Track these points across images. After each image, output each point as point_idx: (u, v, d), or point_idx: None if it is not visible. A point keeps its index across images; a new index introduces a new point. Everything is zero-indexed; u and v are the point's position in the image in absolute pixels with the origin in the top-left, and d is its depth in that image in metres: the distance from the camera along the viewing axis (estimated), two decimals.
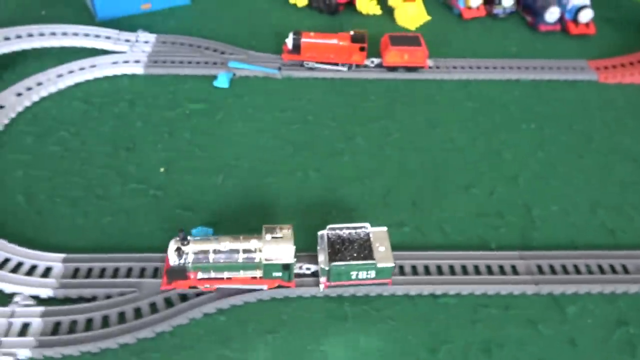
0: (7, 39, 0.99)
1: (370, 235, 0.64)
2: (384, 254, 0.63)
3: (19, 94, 0.92)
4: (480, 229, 0.75)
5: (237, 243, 0.61)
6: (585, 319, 0.65)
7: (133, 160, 0.82)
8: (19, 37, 1.00)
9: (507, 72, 1.05)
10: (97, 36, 1.05)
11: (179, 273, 0.61)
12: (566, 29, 1.17)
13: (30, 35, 1.01)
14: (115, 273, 0.66)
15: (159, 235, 0.71)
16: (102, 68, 0.99)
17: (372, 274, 0.62)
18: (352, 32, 1.00)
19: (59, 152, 0.83)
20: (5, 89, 0.92)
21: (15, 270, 0.66)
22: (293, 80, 1.00)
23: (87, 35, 1.04)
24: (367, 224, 0.65)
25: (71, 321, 0.61)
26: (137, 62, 1.01)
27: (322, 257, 0.64)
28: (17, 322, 0.60)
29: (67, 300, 0.63)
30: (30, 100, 0.92)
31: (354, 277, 0.63)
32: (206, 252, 0.60)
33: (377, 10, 1.21)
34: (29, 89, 0.94)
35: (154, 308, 0.63)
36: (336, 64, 1.00)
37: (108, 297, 0.64)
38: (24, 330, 0.60)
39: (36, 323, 0.60)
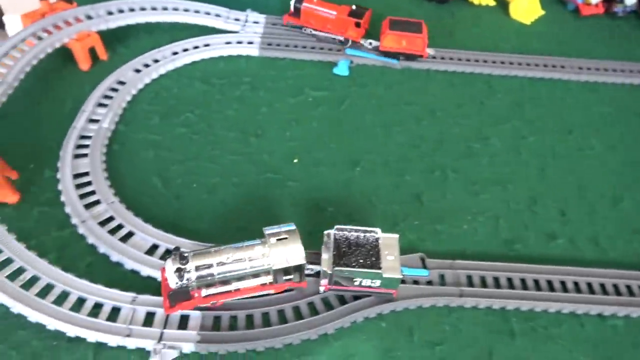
0: (120, 11, 0.96)
1: (380, 241, 0.59)
2: (391, 264, 0.57)
3: (138, 70, 0.89)
4: (638, 246, 0.71)
5: (241, 252, 0.55)
6: None
7: (264, 148, 0.79)
8: (132, 10, 0.97)
9: (635, 75, 0.99)
10: (207, 13, 1.01)
11: (182, 294, 0.55)
12: None
13: (143, 8, 0.98)
14: None
15: (304, 230, 0.68)
16: (216, 48, 0.96)
17: (377, 283, 0.57)
18: (353, 6, 0.97)
19: (187, 134, 0.80)
20: (123, 64, 0.89)
21: (165, 258, 0.63)
22: (412, 71, 0.96)
23: (197, 12, 1.01)
24: (377, 229, 0.60)
25: (231, 316, 0.59)
26: (250, 43, 0.98)
27: (325, 257, 0.59)
28: (175, 315, 0.58)
29: None
30: (149, 77, 0.89)
31: (357, 283, 0.58)
32: (210, 266, 0.54)
33: (490, 0, 1.16)
34: (147, 65, 0.91)
35: (312, 308, 0.60)
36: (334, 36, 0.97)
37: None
38: (182, 323, 0.58)
39: (195, 316, 0.58)
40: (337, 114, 0.86)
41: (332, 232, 0.60)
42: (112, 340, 0.55)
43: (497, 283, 0.64)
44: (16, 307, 0.56)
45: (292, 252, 0.55)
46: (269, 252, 0.55)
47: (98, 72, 0.88)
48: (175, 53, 0.94)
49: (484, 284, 0.64)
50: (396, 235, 0.60)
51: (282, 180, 0.75)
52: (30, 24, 0.87)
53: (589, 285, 0.65)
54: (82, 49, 0.89)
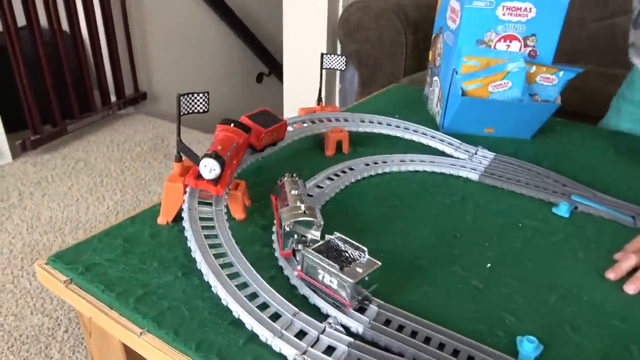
0: (370, 122, 1.15)
1: (361, 258, 0.63)
2: (352, 271, 0.60)
3: (367, 164, 1.03)
4: None
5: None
6: None
7: (458, 247, 0.79)
8: (380, 123, 1.15)
9: None
10: (442, 140, 1.13)
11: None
12: None
13: (389, 124, 1.15)
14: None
15: (474, 327, 0.63)
16: (440, 166, 1.04)
17: (335, 282, 0.61)
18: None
19: (389, 214, 0.86)
20: (358, 157, 1.04)
21: None
22: None
23: (433, 137, 1.13)
24: (365, 249, 0.63)
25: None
26: (473, 169, 1.03)
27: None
28: (325, 341, 0.59)
29: (373, 344, 0.60)
30: (375, 171, 1.01)
31: (321, 277, 0.62)
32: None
33: None
34: (376, 163, 1.04)
35: None
36: None
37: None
38: (328, 351, 0.58)
39: (341, 350, 0.58)
40: (546, 243, 0.82)
41: (331, 236, 0.66)
42: (263, 334, 0.58)
43: None
44: (209, 277, 0.65)
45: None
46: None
47: (337, 159, 1.05)
48: (403, 161, 1.05)
49: None
50: (378, 263, 0.62)
51: (468, 279, 0.72)
52: (304, 114, 1.11)
53: None
54: (332, 139, 1.08)
